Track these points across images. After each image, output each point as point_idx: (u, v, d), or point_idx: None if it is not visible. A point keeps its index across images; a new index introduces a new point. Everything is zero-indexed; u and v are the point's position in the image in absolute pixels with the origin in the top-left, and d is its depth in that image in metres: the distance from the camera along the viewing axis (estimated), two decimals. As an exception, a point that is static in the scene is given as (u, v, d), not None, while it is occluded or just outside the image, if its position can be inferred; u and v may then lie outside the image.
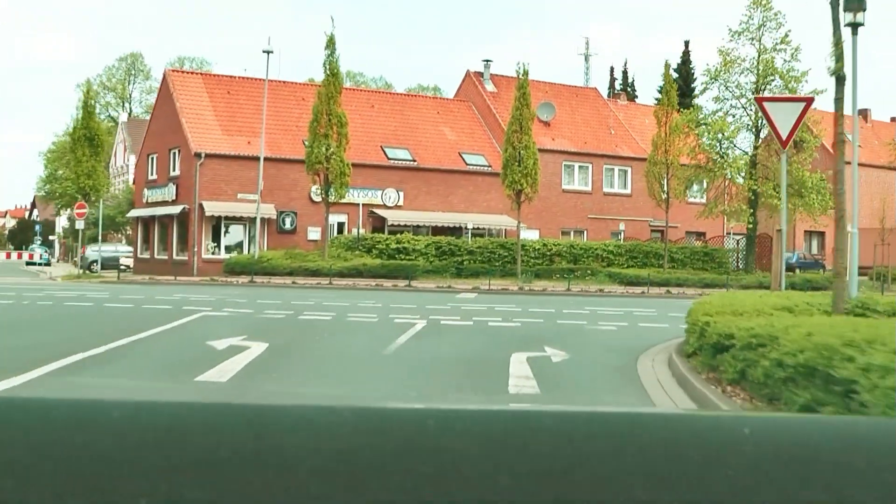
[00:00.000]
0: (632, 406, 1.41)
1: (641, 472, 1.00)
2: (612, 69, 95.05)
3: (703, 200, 63.07)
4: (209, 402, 1.16)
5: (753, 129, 48.42)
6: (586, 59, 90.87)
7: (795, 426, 1.16)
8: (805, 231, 70.94)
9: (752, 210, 47.82)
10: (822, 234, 73.96)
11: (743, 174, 46.81)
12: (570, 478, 0.99)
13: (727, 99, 49.25)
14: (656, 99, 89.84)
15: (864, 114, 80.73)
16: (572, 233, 60.81)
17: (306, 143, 47.28)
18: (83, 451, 1.01)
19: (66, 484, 0.97)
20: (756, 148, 48.47)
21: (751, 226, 48.14)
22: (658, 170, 47.83)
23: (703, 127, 48.19)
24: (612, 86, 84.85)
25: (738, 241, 55.18)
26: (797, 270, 55.81)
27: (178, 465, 0.99)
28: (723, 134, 47.29)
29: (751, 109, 48.94)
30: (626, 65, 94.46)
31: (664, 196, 48.01)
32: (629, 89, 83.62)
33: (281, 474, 0.98)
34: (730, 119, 48.33)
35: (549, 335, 19.21)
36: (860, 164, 52.96)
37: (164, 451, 1.01)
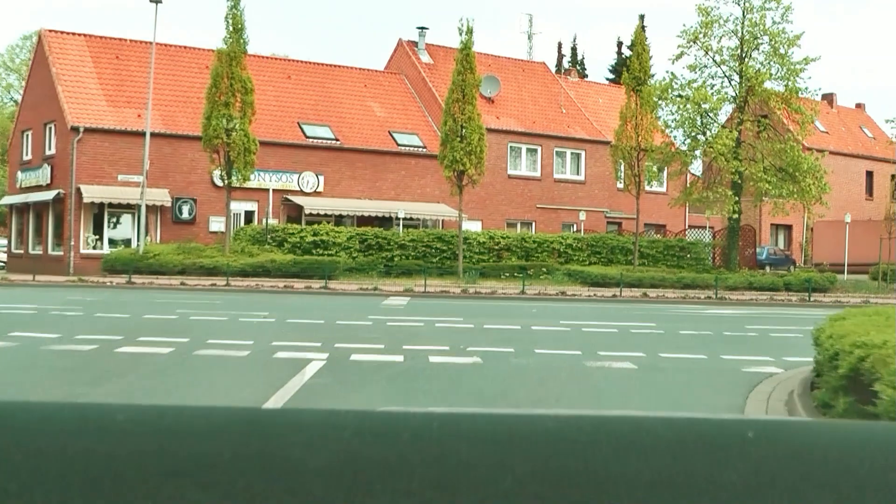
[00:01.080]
0: (635, 410, 1.17)
1: (645, 477, 0.99)
2: (559, 45, 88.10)
3: (664, 189, 56.56)
4: (212, 406, 1.11)
5: (741, 100, 40.76)
6: (529, 37, 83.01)
7: (798, 430, 1.13)
8: (771, 224, 64.05)
9: (736, 197, 40.21)
10: (789, 228, 67.52)
11: (726, 155, 39.13)
12: (574, 482, 0.99)
13: (707, 66, 41.64)
14: (608, 77, 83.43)
15: (828, 99, 74.30)
16: (518, 224, 53.20)
17: (204, 113, 38.78)
18: (86, 454, 1.01)
19: (69, 488, 0.98)
20: (740, 123, 40.83)
21: (735, 215, 40.55)
22: (626, 147, 39.92)
23: (681, 99, 40.44)
24: (559, 64, 77.32)
25: (713, 233, 47.56)
26: (768, 268, 48.61)
27: (181, 469, 0.99)
28: (704, 106, 39.59)
29: (734, 78, 41.31)
30: (574, 41, 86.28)
31: (636, 182, 40.13)
32: (579, 68, 76.29)
33: (284, 479, 0.99)
34: (710, 91, 40.61)
35: (542, 391, 11.25)
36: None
37: (166, 455, 1.01)
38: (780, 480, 0.99)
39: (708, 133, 40.53)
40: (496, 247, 43.29)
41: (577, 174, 56.65)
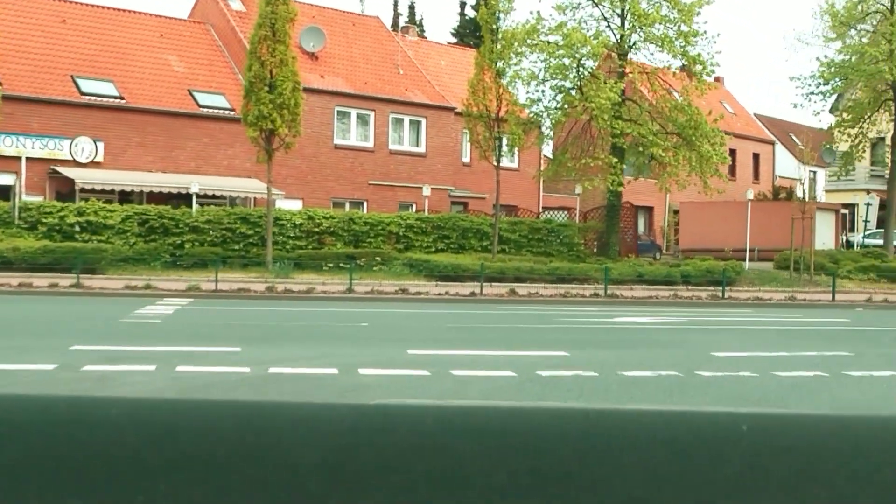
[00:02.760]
0: (629, 404, 1.27)
1: (639, 470, 1.00)
2: (395, 2, 79.10)
3: (516, 165, 48.92)
4: (208, 399, 1.10)
5: (625, 46, 32.69)
6: (361, -2, 73.99)
7: (792, 423, 1.12)
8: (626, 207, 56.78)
9: (622, 165, 32.19)
10: (649, 210, 60.43)
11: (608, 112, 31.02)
12: (569, 475, 0.99)
13: (580, 4, 33.37)
14: (451, 42, 75.06)
15: (686, 71, 67.66)
16: (347, 204, 44.24)
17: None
18: (80, 448, 1.01)
19: (62, 481, 0.98)
20: (623, 76, 32.80)
21: (619, 188, 32.58)
22: (483, 100, 31.35)
23: (551, 45, 32.13)
24: (395, 22, 68.57)
25: (582, 214, 39.55)
26: (635, 255, 40.81)
27: (176, 463, 1.00)
28: (584, 50, 31.37)
29: (614, 21, 33.29)
30: (412, -2, 77.42)
31: (495, 150, 31.75)
32: (418, 28, 67.76)
33: (280, 471, 0.99)
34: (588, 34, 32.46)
35: None
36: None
37: (161, 449, 1.01)
38: (773, 473, 1.00)
39: (585, 86, 32.30)
40: (317, 230, 34.11)
41: (417, 145, 48.01)
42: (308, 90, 43.18)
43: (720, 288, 28.05)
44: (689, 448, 1.02)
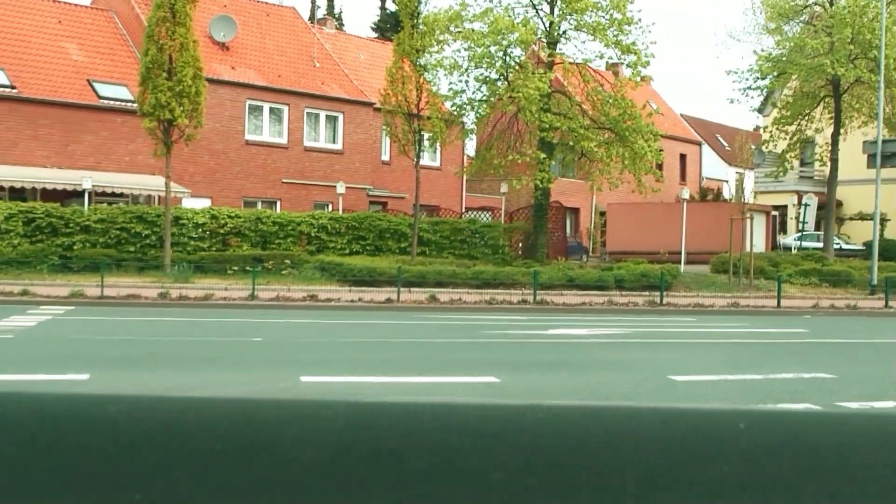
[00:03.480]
0: (626, 401, 1.11)
1: (636, 467, 1.00)
2: (312, -7, 76.20)
3: (437, 164, 46.99)
4: (204, 396, 1.10)
5: (555, 34, 30.54)
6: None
7: (791, 420, 1.11)
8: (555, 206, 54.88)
9: (549, 161, 30.04)
10: (575, 211, 58.65)
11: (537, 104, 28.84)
12: (566, 473, 0.99)
13: (506, -11, 31.28)
14: (373, 28, 72.64)
15: (614, 69, 66.12)
16: (259, 203, 41.65)
17: None
18: (78, 445, 1.01)
19: (60, 479, 0.98)
20: (551, 67, 30.65)
21: (548, 185, 30.43)
22: (402, 91, 28.98)
23: (475, 32, 29.91)
24: (312, 14, 65.99)
25: (508, 215, 37.32)
26: (564, 257, 38.70)
27: (174, 460, 1.00)
28: (512, 37, 29.16)
29: (543, 8, 31.13)
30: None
31: (415, 146, 29.48)
32: (336, 21, 65.10)
33: (276, 468, 0.99)
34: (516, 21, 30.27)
35: None
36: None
37: (159, 446, 1.01)
38: (771, 471, 0.99)
39: (512, 76, 30.09)
40: (221, 230, 31.44)
41: (334, 142, 45.62)
42: (217, 82, 40.80)
43: (657, 293, 26.02)
44: (687, 446, 1.01)
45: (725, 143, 75.02)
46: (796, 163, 45.59)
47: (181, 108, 27.41)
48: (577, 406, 1.08)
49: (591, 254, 49.77)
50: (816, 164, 44.54)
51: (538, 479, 0.98)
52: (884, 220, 44.13)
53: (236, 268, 28.41)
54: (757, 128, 61.64)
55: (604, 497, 0.97)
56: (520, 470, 0.98)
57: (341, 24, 68.59)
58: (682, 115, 71.24)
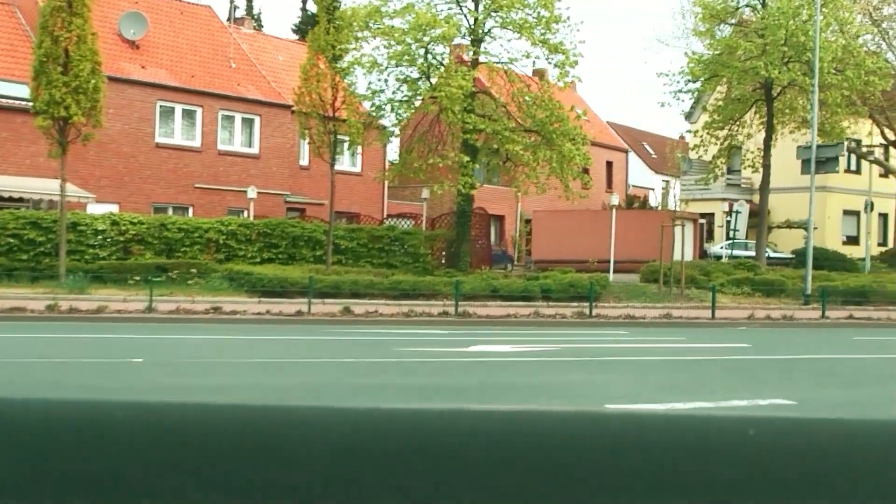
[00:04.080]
0: (636, 407, 0.95)
1: (645, 473, 1.00)
2: (231, -8, 74.07)
3: (358, 169, 45.62)
4: (212, 402, 1.10)
5: (479, 32, 29.12)
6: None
7: (799, 428, 1.10)
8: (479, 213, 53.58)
9: (475, 164, 28.63)
10: (500, 219, 57.45)
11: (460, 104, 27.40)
12: (574, 479, 0.99)
13: (428, -18, 29.83)
14: (293, 30, 70.69)
15: (539, 73, 65.06)
16: (171, 209, 39.61)
17: None
18: (87, 451, 1.01)
19: (69, 484, 0.99)
20: (474, 66, 29.23)
21: (472, 190, 29.00)
22: (317, 89, 27.34)
23: (395, 28, 28.42)
24: (231, 14, 64.08)
25: (429, 221, 35.79)
26: (488, 266, 37.22)
27: (181, 465, 1.00)
28: (435, 32, 27.69)
29: (468, 4, 29.69)
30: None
31: (331, 148, 27.92)
32: (255, 23, 63.13)
33: (285, 475, 0.99)
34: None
35: None
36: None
37: (166, 452, 1.01)
38: (780, 478, 0.99)
39: (434, 75, 28.61)
40: (122, 237, 29.42)
41: (250, 146, 43.83)
42: (127, 81, 39.05)
43: (586, 304, 24.66)
44: (696, 452, 1.01)
45: (652, 151, 74.57)
46: (725, 169, 44.74)
47: (77, 106, 25.41)
48: (585, 412, 1.07)
49: (516, 263, 48.45)
50: (747, 171, 43.64)
51: (546, 484, 0.97)
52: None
53: (138, 277, 26.43)
54: (682, 136, 61.06)
55: (614, 502, 0.97)
56: (527, 475, 0.97)
57: (260, 25, 66.68)
58: (608, 122, 70.45)
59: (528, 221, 51.69)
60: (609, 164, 64.69)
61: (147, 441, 1.01)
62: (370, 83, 30.38)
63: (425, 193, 34.14)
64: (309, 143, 30.08)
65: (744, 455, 1.00)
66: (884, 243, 50.66)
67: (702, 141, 38.70)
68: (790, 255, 41.98)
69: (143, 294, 23.65)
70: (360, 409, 1.07)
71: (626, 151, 68.00)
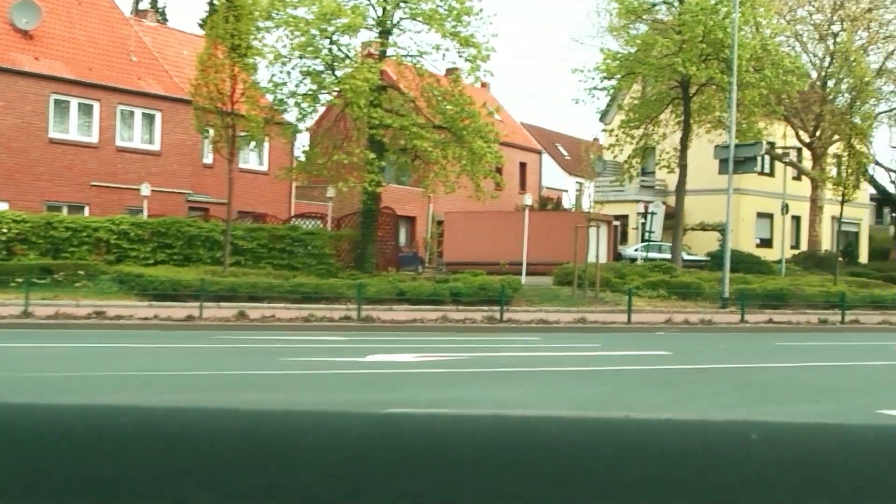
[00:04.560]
0: (639, 413, 1.09)
1: (649, 479, 1.00)
2: (134, -16, 71.60)
3: (265, 168, 44.29)
4: (215, 406, 1.10)
5: (388, 23, 27.90)
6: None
7: (803, 433, 1.11)
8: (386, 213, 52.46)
9: (381, 162, 27.41)
10: (411, 220, 56.29)
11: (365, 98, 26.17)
12: (577, 484, 1.00)
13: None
14: (200, 24, 68.63)
15: (453, 75, 64.03)
16: (66, 208, 37.77)
17: None
18: (90, 456, 1.02)
19: (73, 489, 0.99)
20: (382, 58, 28.03)
21: (378, 188, 27.78)
22: (215, 80, 25.92)
23: (298, 18, 27.10)
24: (136, 7, 62.04)
25: (334, 222, 34.42)
26: (395, 268, 35.97)
27: (184, 470, 1.00)
28: (339, 22, 26.42)
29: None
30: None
31: (228, 143, 26.48)
32: (159, 16, 61.12)
33: (288, 479, 0.99)
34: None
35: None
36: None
37: (171, 456, 1.02)
38: (783, 482, 1.00)
39: (338, 66, 27.32)
40: (4, 236, 27.62)
41: (151, 143, 42.22)
42: (18, 73, 37.53)
43: (497, 308, 23.60)
44: (699, 457, 1.01)
45: (566, 153, 74.00)
46: (639, 170, 44.18)
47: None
48: (589, 417, 1.07)
49: (427, 265, 47.34)
50: (661, 172, 43.11)
51: (549, 489, 0.97)
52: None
53: (20, 279, 24.68)
54: (596, 138, 60.59)
55: None
56: (531, 480, 0.98)
57: (164, 18, 64.70)
58: (522, 123, 69.67)
59: (440, 223, 50.66)
60: (522, 166, 64.00)
61: (149, 445, 1.00)
62: (273, 75, 29.04)
63: (331, 192, 32.80)
64: (204, 137, 28.58)
65: (746, 460, 0.99)
66: (797, 246, 50.73)
67: (617, 140, 37.98)
68: (705, 258, 41.60)
69: (17, 300, 21.96)
70: (364, 413, 1.06)
71: (539, 152, 67.32)
